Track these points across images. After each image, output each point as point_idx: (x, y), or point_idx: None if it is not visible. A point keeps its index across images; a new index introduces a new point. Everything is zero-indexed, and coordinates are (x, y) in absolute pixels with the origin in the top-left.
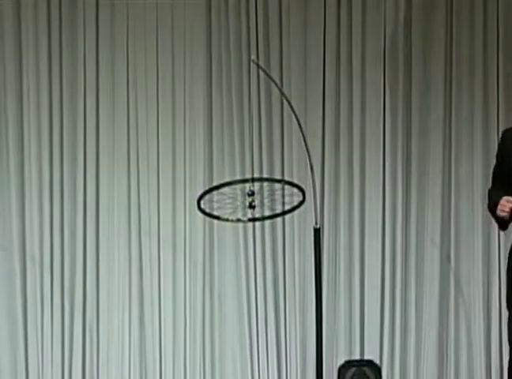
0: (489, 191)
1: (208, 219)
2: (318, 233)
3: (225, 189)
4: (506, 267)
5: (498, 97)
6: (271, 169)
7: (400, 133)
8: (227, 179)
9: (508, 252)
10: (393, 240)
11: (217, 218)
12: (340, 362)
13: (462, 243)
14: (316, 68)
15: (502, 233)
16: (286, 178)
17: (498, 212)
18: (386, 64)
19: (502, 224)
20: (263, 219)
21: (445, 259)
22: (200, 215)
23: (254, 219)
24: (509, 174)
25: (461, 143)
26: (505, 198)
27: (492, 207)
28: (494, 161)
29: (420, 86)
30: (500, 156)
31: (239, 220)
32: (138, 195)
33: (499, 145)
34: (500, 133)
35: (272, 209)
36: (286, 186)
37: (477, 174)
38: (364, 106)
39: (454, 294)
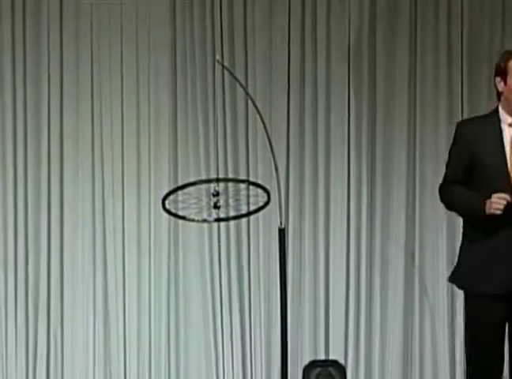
0: (443, 186)
1: (173, 218)
2: (282, 233)
3: (190, 190)
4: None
5: (462, 95)
6: (236, 169)
7: (364, 134)
8: (192, 179)
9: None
10: (358, 240)
11: (183, 218)
12: (305, 362)
13: (427, 243)
14: (281, 68)
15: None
16: (251, 178)
17: (492, 211)
18: (351, 63)
19: (481, 218)
20: (229, 219)
21: (409, 258)
22: (165, 214)
23: (219, 220)
24: (479, 159)
25: (425, 143)
26: (495, 196)
27: (460, 201)
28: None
29: (385, 85)
30: (461, 148)
31: (204, 220)
32: (103, 195)
33: (457, 138)
34: None
35: (238, 209)
36: (251, 187)
37: (442, 173)
38: (329, 107)
39: (419, 294)
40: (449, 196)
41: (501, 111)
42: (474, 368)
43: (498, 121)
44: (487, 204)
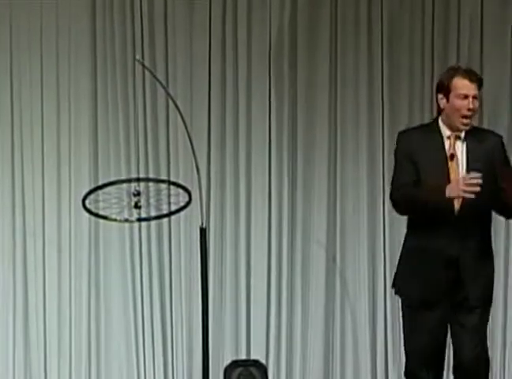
0: (393, 194)
1: (93, 218)
2: (204, 233)
3: (111, 189)
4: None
5: (382, 97)
6: (157, 169)
7: (286, 134)
8: (113, 179)
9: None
10: (279, 240)
11: (105, 218)
12: (227, 361)
13: (348, 243)
14: (201, 68)
15: (387, 233)
16: (172, 178)
17: (460, 193)
18: (272, 64)
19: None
20: (151, 219)
21: (330, 259)
22: (85, 214)
23: (141, 220)
24: (422, 169)
25: (346, 144)
26: (461, 177)
27: (420, 196)
28: (381, 165)
29: (306, 87)
30: (406, 155)
31: (126, 220)
32: (23, 195)
33: (399, 149)
34: (385, 136)
35: (159, 209)
36: (172, 186)
37: (362, 176)
38: (250, 107)
39: (340, 294)
40: (404, 196)
41: (441, 124)
42: (412, 365)
43: (439, 132)
44: (453, 186)
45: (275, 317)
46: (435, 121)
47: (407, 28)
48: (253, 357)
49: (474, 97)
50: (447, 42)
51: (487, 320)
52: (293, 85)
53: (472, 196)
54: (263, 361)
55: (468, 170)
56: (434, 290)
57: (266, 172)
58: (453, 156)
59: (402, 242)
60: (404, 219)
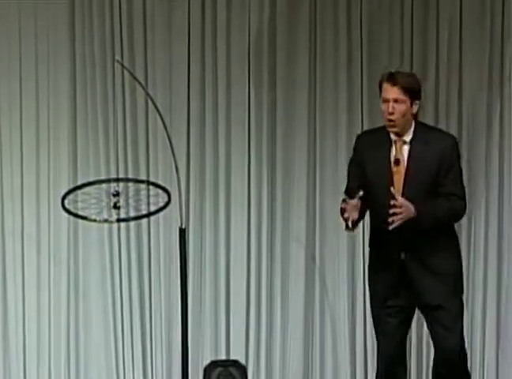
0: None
1: (72, 218)
2: (183, 233)
3: (90, 190)
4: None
5: (361, 96)
6: (136, 169)
7: (265, 134)
8: (92, 179)
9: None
10: (259, 240)
11: (84, 218)
12: (206, 362)
13: (327, 243)
14: (181, 68)
15: (366, 232)
16: (151, 178)
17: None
18: (251, 63)
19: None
20: (130, 219)
21: (310, 258)
22: (64, 214)
23: (121, 220)
24: (367, 176)
25: (325, 144)
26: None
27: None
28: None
29: (285, 87)
30: (357, 160)
31: (106, 221)
32: (1, 195)
33: (353, 153)
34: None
35: (138, 210)
36: (151, 187)
37: (342, 175)
38: (229, 107)
39: (319, 293)
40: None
41: None
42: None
43: (389, 137)
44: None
45: (254, 317)
46: None
47: (386, 30)
48: (232, 357)
49: (395, 101)
50: (426, 45)
51: (457, 314)
52: (272, 87)
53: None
54: (243, 361)
55: (407, 174)
56: (390, 293)
57: (245, 172)
58: (398, 161)
59: None
60: None
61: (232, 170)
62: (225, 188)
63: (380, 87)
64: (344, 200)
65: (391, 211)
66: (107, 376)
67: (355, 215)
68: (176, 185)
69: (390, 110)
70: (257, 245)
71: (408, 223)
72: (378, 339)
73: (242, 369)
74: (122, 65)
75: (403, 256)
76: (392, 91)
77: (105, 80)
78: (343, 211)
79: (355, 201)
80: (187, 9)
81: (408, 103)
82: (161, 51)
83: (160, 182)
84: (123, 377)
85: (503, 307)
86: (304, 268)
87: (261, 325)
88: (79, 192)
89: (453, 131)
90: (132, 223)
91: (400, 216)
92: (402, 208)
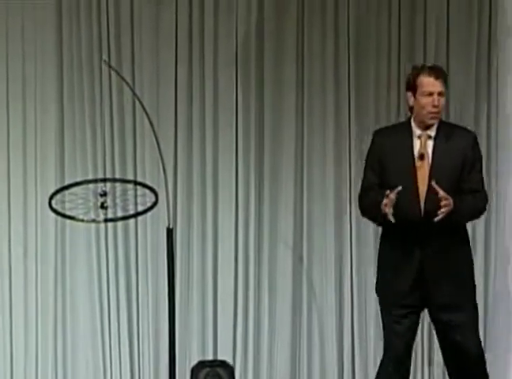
0: (361, 196)
1: (60, 218)
2: (170, 233)
3: (77, 190)
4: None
5: (349, 98)
6: (123, 170)
7: (252, 135)
8: (79, 179)
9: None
10: (246, 241)
11: (72, 218)
12: (194, 362)
13: (315, 245)
14: (168, 69)
15: (353, 233)
16: (139, 178)
17: (385, 210)
18: (239, 66)
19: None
20: (118, 219)
21: (297, 260)
22: (51, 214)
23: (108, 220)
24: (390, 172)
25: (313, 146)
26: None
27: (371, 206)
28: (348, 166)
29: (273, 89)
30: (375, 158)
31: (93, 221)
32: None
33: (371, 150)
34: (351, 138)
35: (126, 210)
36: (139, 187)
37: (329, 177)
38: (217, 109)
39: (307, 295)
40: (363, 202)
41: (412, 123)
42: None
43: (410, 132)
44: (382, 205)
45: (242, 317)
46: (408, 120)
47: (373, 32)
48: (220, 357)
49: (439, 94)
50: (413, 45)
51: (474, 314)
52: (260, 90)
53: (387, 210)
54: (230, 361)
55: (433, 169)
56: (407, 293)
57: (233, 173)
58: (423, 156)
59: (369, 242)
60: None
61: (220, 171)
62: (213, 188)
63: (411, 82)
64: (385, 195)
65: (442, 203)
66: (95, 376)
67: (391, 210)
68: (163, 185)
69: (436, 103)
70: (244, 246)
71: (430, 222)
72: (387, 340)
73: (230, 370)
74: (109, 66)
75: (422, 255)
76: (436, 85)
77: (92, 82)
78: (384, 205)
79: (394, 196)
80: (174, 10)
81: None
82: (148, 52)
83: (148, 183)
84: (110, 378)
85: (490, 308)
86: (291, 269)
87: (249, 326)
88: (66, 192)
89: None
90: (119, 223)
91: (447, 208)
92: (449, 201)
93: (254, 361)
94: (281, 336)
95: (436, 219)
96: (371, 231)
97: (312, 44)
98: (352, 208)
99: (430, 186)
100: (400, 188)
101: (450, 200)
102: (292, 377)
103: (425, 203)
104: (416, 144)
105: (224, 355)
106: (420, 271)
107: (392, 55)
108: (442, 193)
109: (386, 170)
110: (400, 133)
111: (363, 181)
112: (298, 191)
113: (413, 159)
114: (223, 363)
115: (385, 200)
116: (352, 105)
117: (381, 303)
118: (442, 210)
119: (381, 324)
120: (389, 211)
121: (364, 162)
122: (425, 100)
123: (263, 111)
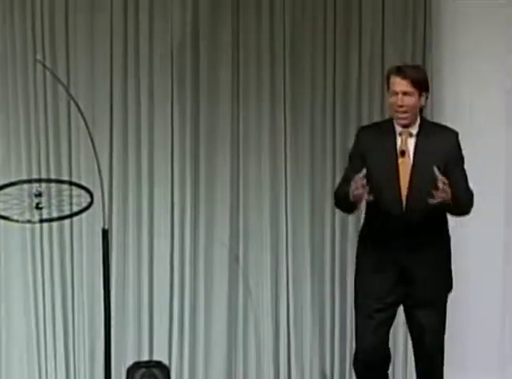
0: (336, 187)
1: None
2: (106, 234)
3: (12, 190)
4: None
5: (284, 102)
6: (58, 170)
7: (188, 134)
8: (14, 179)
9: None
10: (182, 242)
11: (6, 218)
12: (129, 363)
13: (251, 244)
14: (103, 69)
15: (289, 233)
16: (74, 179)
17: (354, 193)
18: (174, 67)
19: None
20: (53, 220)
21: (233, 260)
22: None
23: (44, 220)
24: (373, 168)
25: (249, 146)
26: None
27: (342, 195)
28: (284, 164)
29: (208, 92)
30: (358, 153)
31: (29, 221)
32: None
33: (354, 147)
34: (287, 137)
35: (61, 210)
36: (74, 187)
37: (265, 177)
38: (152, 110)
39: (243, 295)
40: (335, 193)
41: (394, 121)
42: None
43: (393, 130)
44: (352, 188)
45: (178, 318)
46: (391, 117)
47: (309, 34)
48: (155, 358)
49: (404, 93)
50: (349, 46)
51: (439, 315)
52: (195, 91)
53: (366, 198)
54: (166, 362)
55: (414, 166)
56: (386, 289)
57: (169, 174)
58: (403, 153)
59: (304, 241)
60: (305, 218)
61: (155, 171)
62: (148, 189)
63: (386, 80)
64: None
65: (440, 184)
66: (29, 376)
67: (364, 195)
68: (99, 185)
69: (399, 102)
70: (180, 246)
71: (412, 220)
72: (358, 334)
73: (166, 370)
74: (44, 65)
75: (403, 253)
76: (402, 84)
77: (27, 81)
78: (353, 190)
79: (361, 177)
80: (109, 12)
81: (417, 95)
82: (83, 52)
83: (83, 183)
84: (45, 377)
85: None
86: (228, 270)
87: (185, 326)
88: (0, 192)
89: None
90: (54, 224)
91: (443, 195)
92: (447, 189)
93: (190, 361)
94: (217, 337)
95: (430, 200)
96: (307, 232)
97: (248, 46)
98: (287, 206)
99: (411, 183)
100: (364, 171)
101: (447, 193)
102: (228, 377)
103: (407, 199)
104: (398, 141)
105: (160, 356)
106: (401, 267)
107: (327, 56)
108: (441, 177)
109: (370, 167)
110: (384, 129)
111: (342, 175)
112: (234, 192)
113: (396, 155)
114: (158, 364)
115: (353, 185)
116: (287, 105)
117: (356, 300)
118: (440, 194)
119: (318, 324)
120: (361, 192)
121: (348, 157)
122: (391, 99)
123: (199, 112)
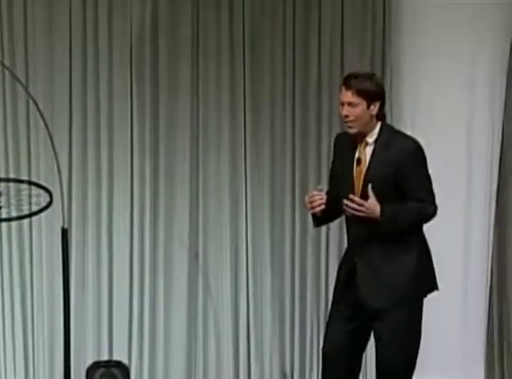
0: None
1: None
2: (65, 233)
3: None
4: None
5: (244, 98)
6: (17, 169)
7: (147, 132)
8: None
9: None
10: (142, 239)
11: None
12: (89, 362)
13: (210, 241)
14: (62, 67)
15: (249, 231)
16: (33, 178)
17: (309, 209)
18: (133, 62)
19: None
20: (12, 219)
21: (193, 258)
22: None
23: (2, 220)
24: (338, 175)
25: (208, 142)
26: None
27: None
28: (243, 162)
29: (168, 85)
30: (333, 161)
31: None
32: None
33: (334, 149)
34: (247, 135)
35: (20, 210)
36: (33, 187)
37: (224, 173)
38: (112, 107)
39: (203, 293)
40: None
41: None
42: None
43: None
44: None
45: (137, 317)
46: None
47: (268, 30)
48: (115, 358)
49: (348, 104)
50: (308, 43)
51: (404, 321)
52: (155, 85)
53: (320, 208)
54: (125, 362)
55: (367, 175)
56: (343, 288)
57: (128, 172)
58: (359, 161)
59: (264, 238)
60: (265, 213)
61: (115, 170)
62: (107, 188)
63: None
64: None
65: (350, 205)
66: None
67: (318, 208)
68: (58, 185)
69: (345, 112)
70: (140, 245)
71: (367, 229)
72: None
73: (125, 370)
74: (3, 64)
75: (355, 259)
76: (345, 95)
77: None
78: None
79: (315, 193)
80: (68, 9)
81: (364, 105)
82: (42, 50)
83: (42, 183)
84: (5, 377)
85: None
86: (187, 267)
87: (144, 325)
88: None
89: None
90: (13, 224)
91: (353, 211)
92: (363, 208)
93: (150, 361)
94: (177, 335)
95: (347, 212)
96: (267, 227)
97: (207, 41)
98: (247, 204)
99: (362, 191)
100: (319, 187)
101: (365, 207)
102: (188, 376)
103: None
104: (357, 149)
105: (119, 356)
106: (353, 274)
107: (286, 54)
108: (357, 199)
109: (335, 174)
110: (352, 138)
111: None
112: (193, 189)
113: (353, 164)
114: (118, 363)
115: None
116: (248, 102)
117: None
118: (349, 210)
119: (278, 319)
120: (309, 207)
121: None
122: (340, 109)
123: (158, 107)
